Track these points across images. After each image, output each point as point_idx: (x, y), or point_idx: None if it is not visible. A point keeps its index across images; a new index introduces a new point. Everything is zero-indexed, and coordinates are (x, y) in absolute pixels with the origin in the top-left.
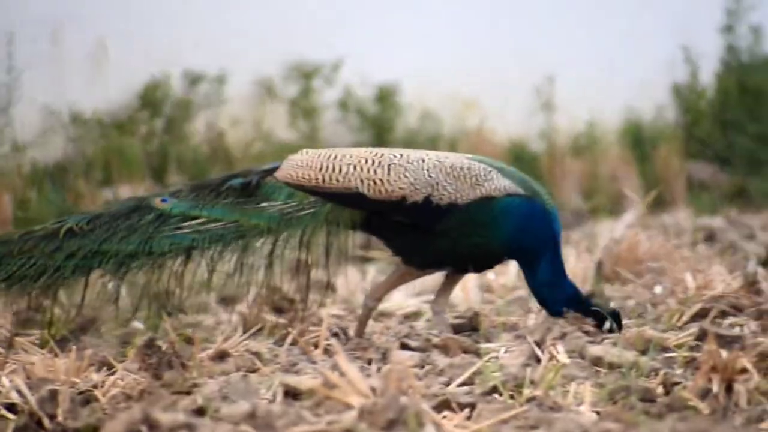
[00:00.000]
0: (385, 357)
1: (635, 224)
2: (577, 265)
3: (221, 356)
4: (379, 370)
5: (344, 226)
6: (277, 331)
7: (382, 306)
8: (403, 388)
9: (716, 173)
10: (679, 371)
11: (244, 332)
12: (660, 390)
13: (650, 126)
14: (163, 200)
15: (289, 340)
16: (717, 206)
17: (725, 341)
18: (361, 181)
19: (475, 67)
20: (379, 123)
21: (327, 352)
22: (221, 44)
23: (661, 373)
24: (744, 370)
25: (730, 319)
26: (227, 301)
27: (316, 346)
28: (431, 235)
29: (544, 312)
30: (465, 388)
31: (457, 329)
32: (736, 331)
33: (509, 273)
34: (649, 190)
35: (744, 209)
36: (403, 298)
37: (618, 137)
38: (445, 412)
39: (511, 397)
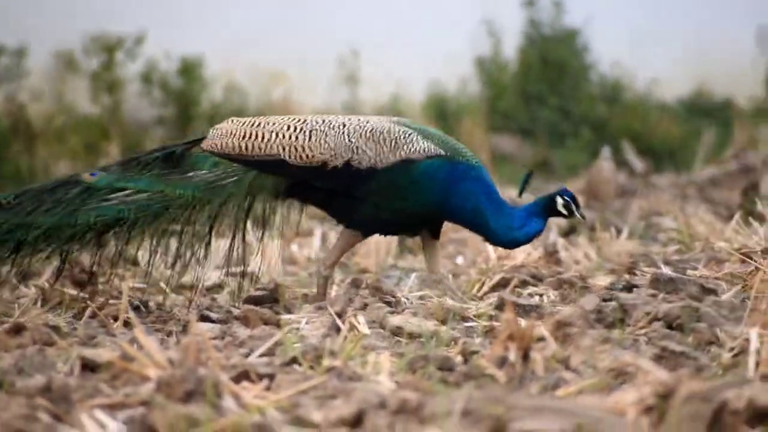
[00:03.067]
0: (185, 329)
1: None
2: (380, 237)
3: (17, 330)
4: (178, 342)
5: (268, 193)
6: (76, 304)
7: (184, 279)
8: (202, 360)
9: (520, 145)
10: (478, 340)
11: (43, 306)
12: (459, 359)
13: (454, 99)
14: (92, 174)
15: (88, 313)
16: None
17: (524, 310)
18: (283, 147)
19: (281, 40)
20: (183, 96)
21: (127, 325)
22: (21, 17)
23: (461, 342)
24: (541, 339)
25: (530, 289)
26: (26, 276)
27: (115, 319)
28: (354, 200)
29: (348, 284)
30: (265, 359)
31: (257, 301)
32: (535, 300)
33: (312, 245)
34: None
35: (547, 180)
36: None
37: (422, 110)
38: (244, 383)
39: (311, 367)
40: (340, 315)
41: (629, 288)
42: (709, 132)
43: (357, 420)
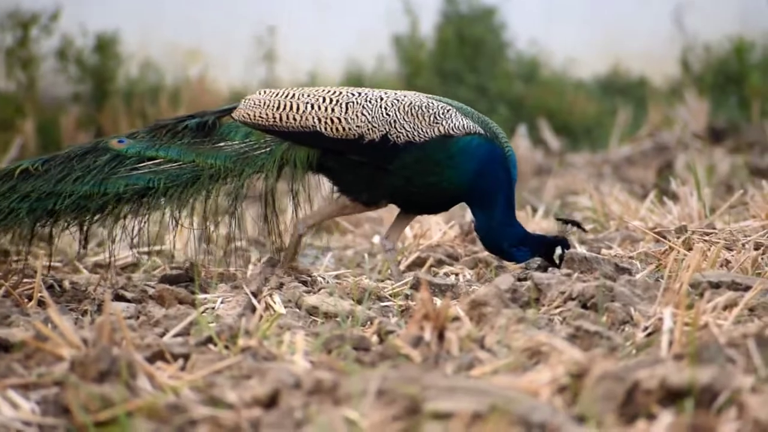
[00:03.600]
0: (99, 309)
1: None
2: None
3: None
4: (93, 322)
5: (300, 165)
6: None
7: (99, 257)
8: (116, 340)
9: None
10: (394, 320)
11: None
12: (374, 339)
13: (372, 76)
14: (120, 141)
15: (1, 292)
16: None
17: (439, 289)
18: (319, 119)
19: (197, 17)
20: (99, 73)
21: (41, 304)
22: None
23: (376, 322)
24: (456, 318)
25: (446, 268)
26: None
27: (30, 298)
28: (386, 172)
29: (264, 263)
30: (180, 339)
31: (173, 280)
32: (451, 279)
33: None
34: None
35: None
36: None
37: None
38: (159, 363)
39: (226, 347)
40: (255, 294)
41: (544, 267)
42: (624, 111)
43: (272, 400)
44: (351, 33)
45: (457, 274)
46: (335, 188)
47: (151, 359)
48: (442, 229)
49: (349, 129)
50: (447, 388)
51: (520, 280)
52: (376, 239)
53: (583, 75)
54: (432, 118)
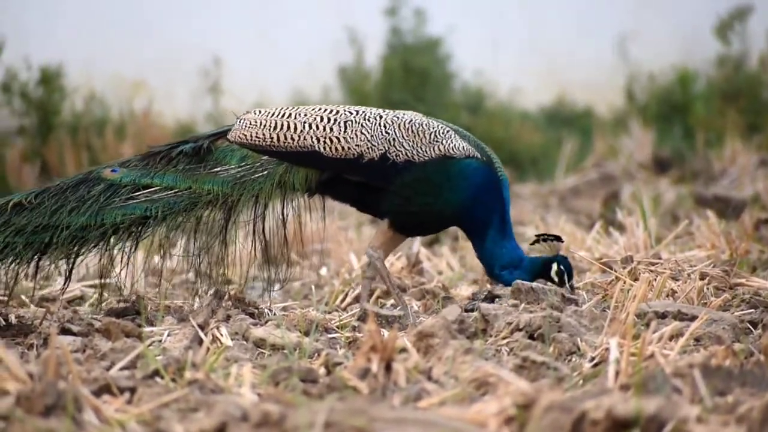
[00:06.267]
0: (46, 342)
1: (301, 205)
2: (240, 247)
3: None
4: (39, 355)
5: (299, 187)
6: None
7: (45, 291)
8: (62, 373)
9: None
10: (341, 352)
11: None
12: (322, 371)
13: None
14: (113, 171)
15: None
16: None
17: (386, 321)
18: (318, 139)
19: (142, 48)
20: (44, 106)
21: None
22: None
23: (324, 354)
24: (403, 350)
25: (393, 300)
26: None
27: None
28: (386, 194)
29: (210, 295)
30: (126, 372)
31: (120, 313)
32: (398, 311)
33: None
34: None
35: None
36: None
37: None
38: (105, 397)
39: (173, 380)
40: (202, 327)
41: (491, 298)
42: (569, 141)
43: None
44: (297, 64)
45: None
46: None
47: (98, 393)
48: (389, 260)
49: (349, 148)
50: (394, 420)
51: (467, 311)
52: (323, 270)
53: (529, 105)
54: (432, 137)
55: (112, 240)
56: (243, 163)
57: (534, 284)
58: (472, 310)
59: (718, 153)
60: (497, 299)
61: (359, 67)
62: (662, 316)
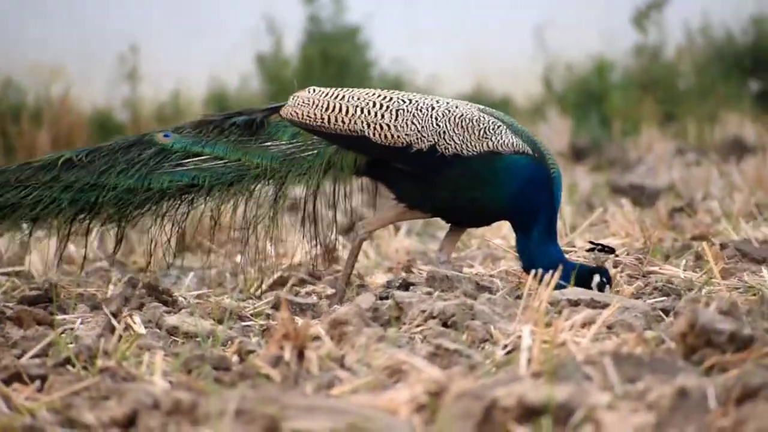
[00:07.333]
0: None
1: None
2: (154, 235)
3: None
4: None
5: (347, 170)
6: None
7: None
8: None
9: None
10: (255, 340)
11: None
12: (235, 359)
13: (236, 95)
14: (166, 135)
15: None
16: None
17: (300, 309)
18: (368, 124)
19: (60, 34)
20: None
21: None
22: None
23: (237, 341)
24: (317, 338)
25: (308, 287)
26: None
27: None
28: (432, 185)
29: (124, 283)
30: (37, 360)
31: (32, 301)
32: (312, 299)
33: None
34: None
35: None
36: None
37: (203, 106)
38: (16, 385)
39: (85, 368)
40: (115, 315)
41: (406, 286)
42: None
43: (130, 421)
44: (216, 52)
45: (319, 294)
46: (391, 194)
47: (8, 381)
48: (305, 248)
49: (398, 137)
50: (306, 408)
51: (381, 299)
52: (239, 258)
53: (447, 93)
54: (482, 133)
55: (164, 206)
56: (294, 140)
57: (449, 272)
58: (386, 298)
59: (634, 141)
60: (412, 287)
61: (278, 55)
62: (575, 303)
